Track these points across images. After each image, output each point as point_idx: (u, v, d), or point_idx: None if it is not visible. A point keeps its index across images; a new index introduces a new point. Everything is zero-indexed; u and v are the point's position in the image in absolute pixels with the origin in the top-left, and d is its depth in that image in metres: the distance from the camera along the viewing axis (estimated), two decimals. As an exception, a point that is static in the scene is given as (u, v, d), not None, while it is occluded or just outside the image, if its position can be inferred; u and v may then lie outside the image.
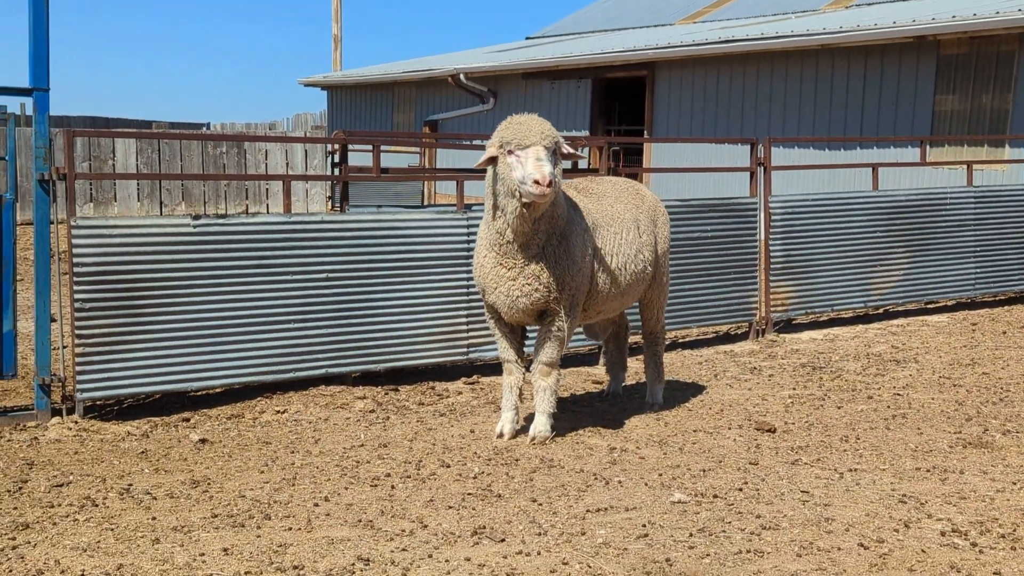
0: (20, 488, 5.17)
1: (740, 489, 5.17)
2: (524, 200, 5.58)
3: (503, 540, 4.49)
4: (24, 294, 9.36)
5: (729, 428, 6.39)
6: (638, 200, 6.64)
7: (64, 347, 6.56)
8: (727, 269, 9.03)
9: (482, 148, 11.38)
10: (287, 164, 21.16)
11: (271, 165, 21.02)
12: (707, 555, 4.33)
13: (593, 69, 18.38)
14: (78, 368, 6.35)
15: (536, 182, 5.45)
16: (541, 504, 4.96)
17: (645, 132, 17.71)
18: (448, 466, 5.57)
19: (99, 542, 4.46)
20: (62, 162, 6.49)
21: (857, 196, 9.95)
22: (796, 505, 4.94)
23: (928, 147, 12.53)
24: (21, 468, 5.50)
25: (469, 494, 5.10)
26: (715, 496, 5.06)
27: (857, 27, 13.86)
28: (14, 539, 4.48)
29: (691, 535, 4.55)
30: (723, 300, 9.05)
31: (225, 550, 4.36)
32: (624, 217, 6.41)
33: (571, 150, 5.86)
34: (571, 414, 6.63)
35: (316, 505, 4.94)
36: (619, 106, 19.58)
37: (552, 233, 5.83)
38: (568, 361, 8.18)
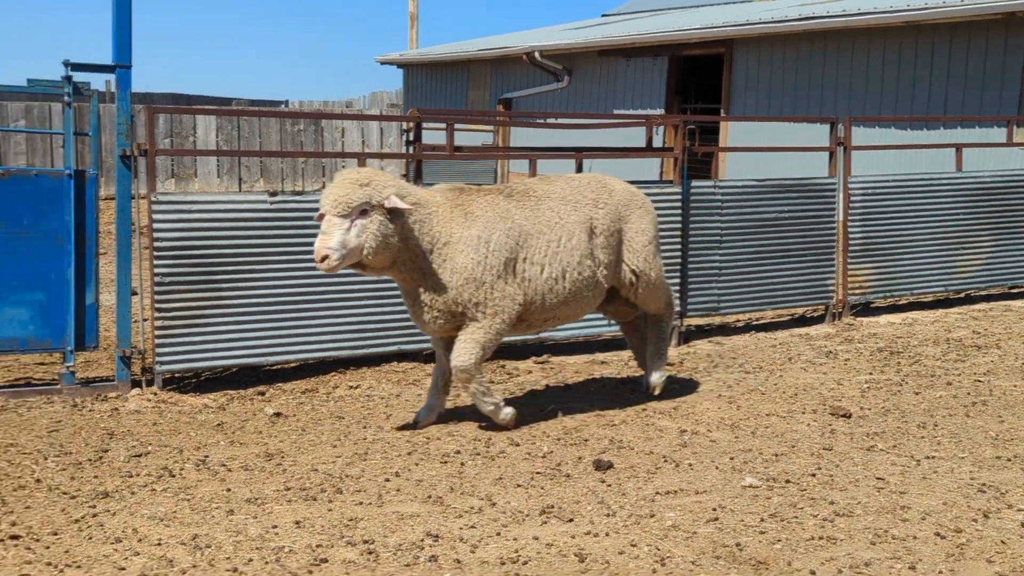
0: (100, 457, 5.31)
1: (813, 475, 5.10)
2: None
3: (571, 520, 4.49)
4: (106, 268, 9.60)
5: (803, 412, 6.30)
6: (598, 197, 6.11)
7: (144, 320, 6.69)
8: (804, 250, 8.89)
9: (557, 127, 11.31)
10: (363, 142, 21.33)
11: (347, 143, 21.22)
12: (778, 540, 4.28)
13: (670, 46, 18.15)
14: (157, 341, 6.48)
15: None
16: (610, 485, 4.94)
17: (722, 111, 17.47)
18: (517, 444, 5.58)
19: (175, 512, 4.56)
20: (144, 138, 6.61)
21: (940, 177, 9.72)
22: (871, 492, 4.86)
23: (1015, 127, 12.17)
24: (102, 438, 5.64)
25: (538, 473, 5.11)
26: (787, 481, 5.00)
27: (943, 3, 13.49)
28: (94, 507, 4.60)
29: (762, 520, 4.50)
30: (799, 282, 8.91)
31: (297, 523, 4.43)
32: (567, 221, 5.92)
33: (402, 204, 5.30)
34: (641, 395, 6.60)
35: (387, 480, 4.99)
36: (696, 84, 19.34)
37: (419, 259, 5.53)
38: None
